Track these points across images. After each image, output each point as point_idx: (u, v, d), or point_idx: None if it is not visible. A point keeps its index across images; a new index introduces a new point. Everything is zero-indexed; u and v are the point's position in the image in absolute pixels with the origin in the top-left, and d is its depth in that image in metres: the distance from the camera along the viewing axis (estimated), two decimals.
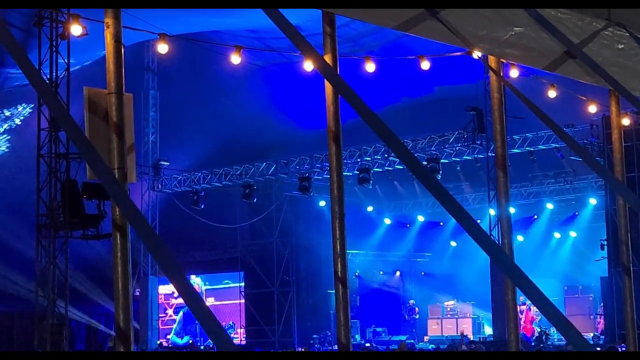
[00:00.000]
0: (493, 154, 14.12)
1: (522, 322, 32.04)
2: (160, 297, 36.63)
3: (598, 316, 32.47)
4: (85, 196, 20.18)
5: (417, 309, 36.87)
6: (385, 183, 34.93)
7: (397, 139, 5.10)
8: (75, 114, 6.72)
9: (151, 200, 35.07)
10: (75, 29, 17.51)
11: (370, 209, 37.34)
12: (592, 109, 22.24)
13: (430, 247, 39.66)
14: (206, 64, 30.73)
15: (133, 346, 6.12)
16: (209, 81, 32.96)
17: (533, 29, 8.15)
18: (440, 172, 28.88)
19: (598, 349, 21.59)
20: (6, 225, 30.49)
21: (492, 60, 8.89)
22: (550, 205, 35.10)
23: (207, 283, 38.51)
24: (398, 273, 39.66)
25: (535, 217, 36.19)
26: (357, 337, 34.67)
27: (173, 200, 35.24)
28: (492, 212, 28.55)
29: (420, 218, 38.19)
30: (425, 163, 28.18)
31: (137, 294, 34.54)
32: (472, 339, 30.91)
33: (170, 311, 37.98)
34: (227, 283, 37.81)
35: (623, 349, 20.26)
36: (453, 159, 30.44)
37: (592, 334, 30.85)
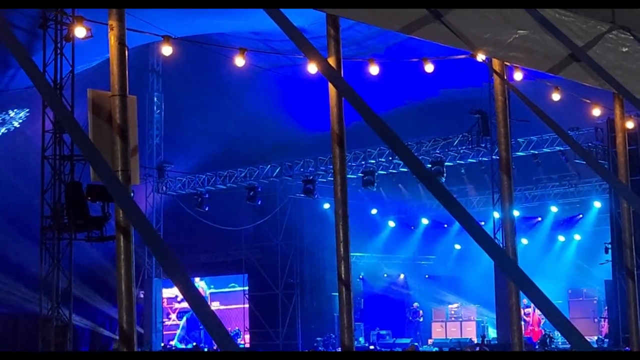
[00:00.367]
0: (497, 157, 14.11)
1: (529, 326, 32.01)
2: (163, 301, 36.57)
3: (602, 319, 32.41)
4: (89, 198, 20.17)
5: (421, 311, 36.83)
6: (390, 186, 34.90)
7: (401, 141, 5.10)
8: (79, 116, 6.74)
9: (155, 203, 35.05)
10: (80, 31, 17.53)
11: (374, 211, 37.32)
12: (597, 112, 22.24)
13: (434, 250, 39.62)
14: (210, 66, 30.71)
15: (137, 349, 6.12)
16: (213, 83, 32.93)
17: (537, 32, 8.15)
18: (445, 174, 28.87)
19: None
20: (7, 230, 30.51)
21: (496, 63, 8.89)
22: (554, 208, 35.06)
23: (212, 286, 38.47)
24: (402, 276, 39.62)
25: (540, 218, 36.12)
26: (361, 339, 34.65)
27: (177, 202, 35.22)
28: (496, 215, 28.53)
29: (425, 221, 38.15)
30: (429, 166, 28.17)
31: (141, 296, 34.51)
32: (476, 341, 30.88)
33: (173, 316, 37.93)
34: (234, 286, 37.76)
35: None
36: (457, 161, 30.40)
37: (596, 337, 30.81)
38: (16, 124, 31.28)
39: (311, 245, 35.17)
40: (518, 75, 15.27)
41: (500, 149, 9.15)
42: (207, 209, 34.08)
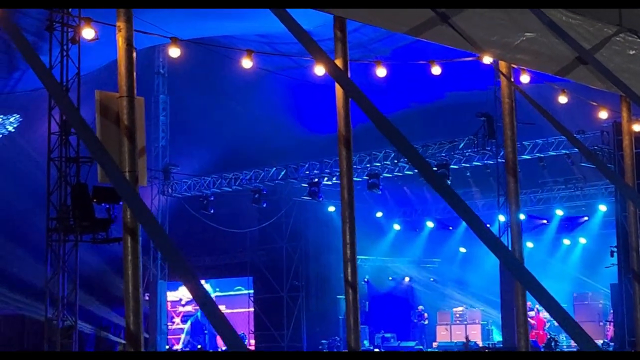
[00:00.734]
0: (503, 160, 14.10)
1: (533, 329, 31.95)
2: (167, 304, 36.57)
3: (608, 323, 32.37)
4: (95, 200, 20.21)
5: (426, 314, 36.82)
6: (395, 189, 34.89)
7: (408, 143, 5.10)
8: (85, 118, 6.72)
9: (161, 205, 35.06)
10: (87, 33, 17.53)
11: (379, 214, 37.31)
12: (603, 115, 22.16)
13: (439, 253, 39.60)
14: (216, 68, 30.74)
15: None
16: (219, 86, 32.96)
17: (544, 35, 8.15)
18: (450, 177, 28.86)
19: None
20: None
21: (503, 66, 8.89)
22: (560, 212, 35.03)
23: (217, 289, 38.46)
24: (407, 279, 39.60)
25: (545, 221, 36.08)
26: (366, 342, 34.64)
27: (183, 204, 35.22)
28: (501, 218, 28.50)
29: (430, 224, 38.14)
30: (435, 169, 28.15)
31: (147, 298, 34.51)
32: (481, 345, 30.87)
33: (177, 319, 37.88)
34: (240, 289, 37.74)
35: None
36: (463, 164, 30.38)
37: (601, 341, 30.75)
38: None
39: (316, 247, 35.17)
40: (525, 78, 15.22)
41: (507, 152, 9.15)
42: (212, 212, 34.10)
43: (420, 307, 37.37)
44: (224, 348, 28.92)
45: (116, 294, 31.46)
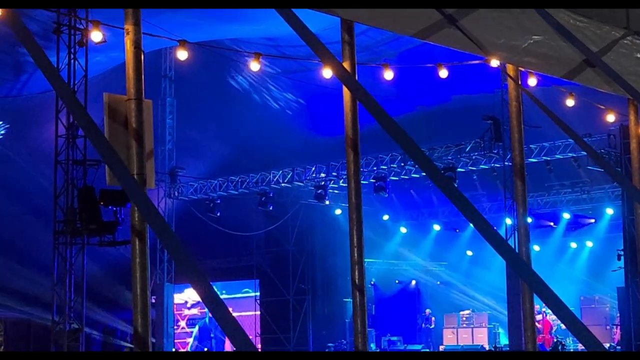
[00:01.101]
0: (510, 163, 14.09)
1: (541, 333, 31.91)
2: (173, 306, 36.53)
3: (614, 327, 32.32)
4: (102, 203, 20.22)
5: (432, 318, 36.79)
6: (402, 192, 34.88)
7: (416, 145, 5.11)
8: None
9: (167, 208, 35.07)
10: (95, 35, 17.57)
11: (386, 217, 37.30)
12: (610, 118, 22.17)
13: (446, 256, 39.58)
14: (223, 71, 30.78)
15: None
16: (226, 89, 32.99)
17: (552, 38, 8.14)
18: (457, 181, 28.85)
19: None
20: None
21: (510, 69, 8.89)
22: (566, 215, 35.00)
23: (223, 292, 38.44)
24: (414, 282, 39.59)
25: (552, 224, 36.04)
26: (372, 345, 34.61)
27: (189, 207, 35.24)
28: (508, 221, 28.48)
29: (436, 227, 38.13)
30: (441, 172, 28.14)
31: (153, 301, 34.51)
32: (487, 348, 30.82)
33: (182, 323, 37.78)
34: (247, 292, 37.71)
35: None
36: (469, 167, 30.37)
37: (608, 345, 30.71)
38: None
39: (322, 250, 35.19)
40: (532, 81, 15.23)
41: (514, 155, 9.15)
42: (218, 214, 34.11)
43: (428, 311, 37.34)
44: None
45: (117, 300, 31.50)
